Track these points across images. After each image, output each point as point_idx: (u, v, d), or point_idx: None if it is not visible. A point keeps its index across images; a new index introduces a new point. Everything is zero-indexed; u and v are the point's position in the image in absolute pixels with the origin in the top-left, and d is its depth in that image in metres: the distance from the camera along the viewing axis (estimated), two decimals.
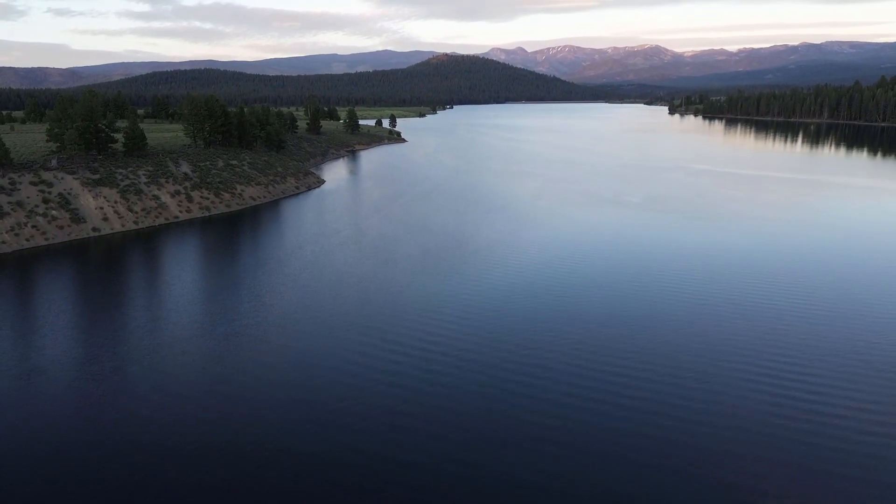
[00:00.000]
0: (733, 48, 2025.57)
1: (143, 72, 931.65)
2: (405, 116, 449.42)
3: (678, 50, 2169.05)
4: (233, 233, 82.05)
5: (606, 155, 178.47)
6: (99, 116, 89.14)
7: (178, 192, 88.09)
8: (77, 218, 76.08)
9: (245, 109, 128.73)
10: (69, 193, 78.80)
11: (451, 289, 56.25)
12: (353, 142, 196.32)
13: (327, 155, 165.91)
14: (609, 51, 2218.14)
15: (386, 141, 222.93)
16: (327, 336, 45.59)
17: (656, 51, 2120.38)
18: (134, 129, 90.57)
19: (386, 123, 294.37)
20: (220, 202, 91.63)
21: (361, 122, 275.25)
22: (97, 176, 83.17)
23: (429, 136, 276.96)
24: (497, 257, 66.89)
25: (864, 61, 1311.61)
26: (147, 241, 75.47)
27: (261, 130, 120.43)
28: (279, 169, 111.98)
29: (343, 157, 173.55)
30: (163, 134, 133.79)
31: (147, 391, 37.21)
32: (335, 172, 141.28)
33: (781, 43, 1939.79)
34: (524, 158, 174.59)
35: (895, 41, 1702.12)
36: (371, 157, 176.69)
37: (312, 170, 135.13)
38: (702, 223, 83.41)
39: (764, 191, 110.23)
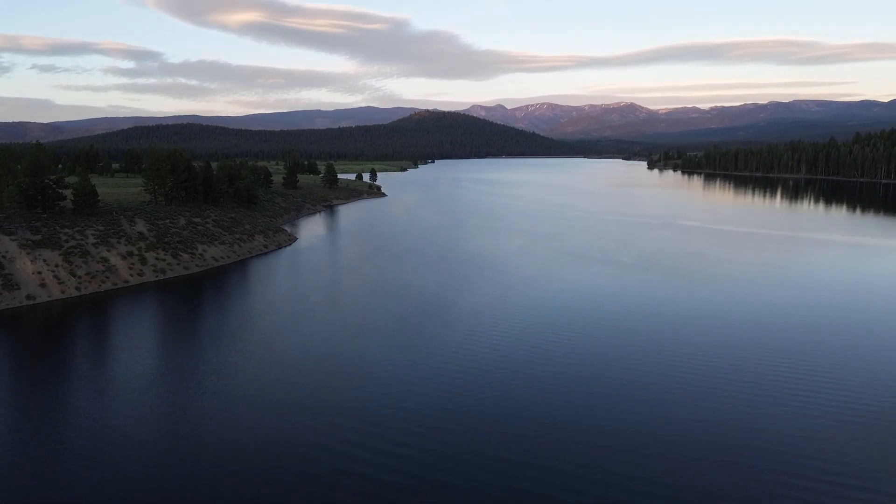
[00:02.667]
0: (705, 106, 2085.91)
1: (126, 126, 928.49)
2: (386, 170, 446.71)
3: (652, 107, 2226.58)
4: (186, 299, 73.58)
5: (590, 210, 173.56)
6: (46, 172, 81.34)
7: (130, 254, 79.76)
8: (10, 284, 67.29)
9: (215, 164, 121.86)
10: (4, 257, 70.18)
11: (430, 365, 48.17)
12: (330, 196, 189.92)
13: (303, 210, 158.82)
14: (586, 108, 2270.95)
15: (365, 195, 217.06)
16: (284, 428, 37.17)
17: (631, 108, 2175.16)
18: (84, 184, 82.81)
19: (367, 177, 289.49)
20: (178, 264, 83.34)
21: (342, 176, 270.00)
22: (38, 237, 74.78)
23: (409, 190, 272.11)
24: (480, 326, 59.04)
25: (831, 119, 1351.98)
26: (88, 310, 66.69)
27: (229, 186, 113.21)
28: (247, 226, 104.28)
29: (319, 212, 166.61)
30: (126, 189, 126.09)
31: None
32: (310, 228, 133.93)
33: (751, 101, 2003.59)
34: (506, 214, 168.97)
35: (860, 100, 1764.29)
36: (349, 212, 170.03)
37: (285, 226, 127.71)
38: (701, 285, 76.65)
39: (759, 249, 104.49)
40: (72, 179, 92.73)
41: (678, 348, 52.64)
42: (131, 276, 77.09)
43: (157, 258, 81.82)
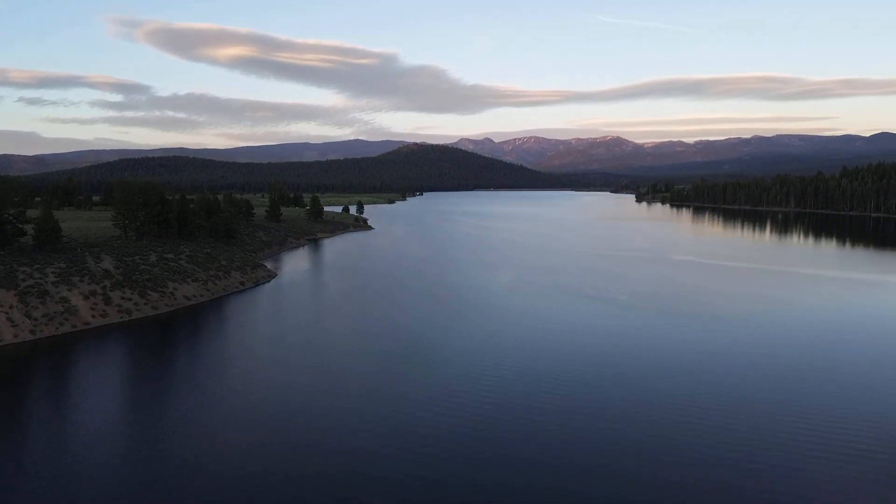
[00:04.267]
0: (690, 140, 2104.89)
1: (112, 159, 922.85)
2: (374, 203, 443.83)
3: (639, 141, 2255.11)
4: (151, 342, 68.24)
5: (581, 244, 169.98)
6: (6, 206, 76.34)
7: (93, 293, 74.44)
8: None
9: (193, 196, 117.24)
10: None
11: (415, 416, 43.17)
12: (315, 229, 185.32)
13: (285, 244, 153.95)
14: (573, 141, 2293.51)
15: (351, 228, 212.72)
16: (251, 492, 32.00)
17: (618, 142, 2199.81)
18: (46, 219, 77.81)
19: (353, 210, 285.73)
20: (146, 303, 78.02)
21: (329, 208, 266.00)
22: None
23: (397, 222, 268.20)
24: (468, 372, 54.13)
25: (813, 153, 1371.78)
26: (44, 355, 61.17)
27: (206, 219, 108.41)
28: (223, 262, 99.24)
29: (303, 246, 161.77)
30: (99, 223, 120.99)
31: None
32: (291, 264, 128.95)
33: (735, 136, 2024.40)
34: (495, 247, 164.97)
35: (841, 135, 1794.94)
36: (334, 246, 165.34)
37: (266, 261, 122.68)
38: (704, 325, 72.34)
39: (756, 284, 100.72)
40: (33, 213, 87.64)
41: (679, 399, 48.00)
42: (93, 317, 71.66)
43: (122, 297, 76.49)
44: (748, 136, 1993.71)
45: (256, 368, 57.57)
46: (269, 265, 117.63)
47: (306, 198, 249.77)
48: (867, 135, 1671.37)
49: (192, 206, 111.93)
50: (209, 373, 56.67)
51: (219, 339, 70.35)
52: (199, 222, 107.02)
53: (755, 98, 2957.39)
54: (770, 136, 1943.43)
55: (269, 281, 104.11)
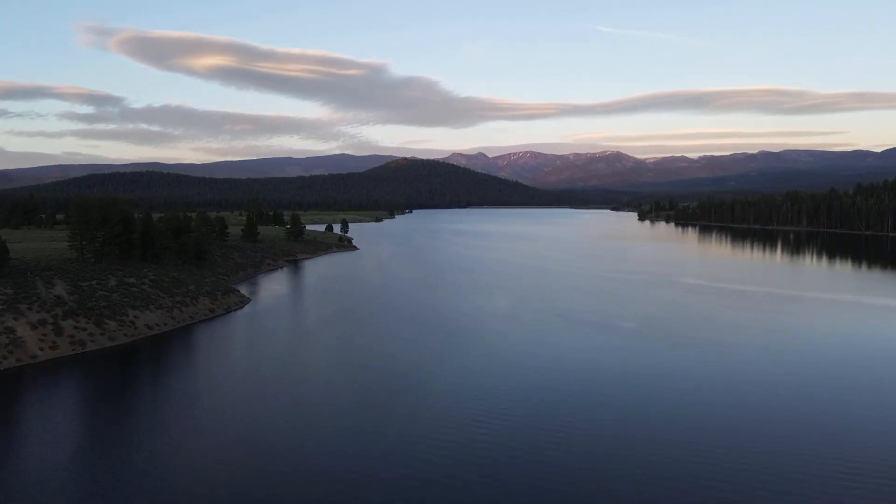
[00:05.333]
0: (694, 155, 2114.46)
1: (80, 174, 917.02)
2: (360, 221, 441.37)
3: (640, 156, 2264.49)
4: (103, 378, 64.66)
5: (581, 266, 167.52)
6: None
7: (42, 322, 70.81)
8: None
9: (160, 215, 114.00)
10: None
11: (398, 464, 39.80)
12: (295, 250, 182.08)
13: (262, 266, 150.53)
14: (571, 157, 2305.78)
15: (334, 248, 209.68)
16: None
17: (618, 157, 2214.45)
18: None
19: (337, 229, 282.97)
20: (102, 333, 74.38)
21: (311, 227, 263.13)
22: None
23: (384, 242, 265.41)
24: (458, 409, 50.84)
25: (822, 169, 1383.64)
26: None
27: (174, 240, 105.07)
28: (191, 287, 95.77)
29: (281, 268, 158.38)
30: (59, 244, 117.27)
31: None
32: (267, 287, 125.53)
33: (741, 151, 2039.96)
34: (490, 269, 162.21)
35: (852, 150, 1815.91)
36: (315, 268, 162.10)
37: (240, 285, 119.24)
38: (721, 358, 69.50)
39: (774, 311, 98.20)
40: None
41: (698, 449, 44.89)
42: (41, 349, 67.96)
43: (76, 327, 72.83)
44: (754, 151, 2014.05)
45: (224, 406, 54.14)
46: (243, 289, 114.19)
47: (287, 216, 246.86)
48: (879, 150, 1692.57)
49: (159, 225, 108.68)
50: (171, 412, 53.16)
51: (183, 372, 66.86)
52: (166, 243, 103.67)
53: (761, 112, 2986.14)
54: (777, 151, 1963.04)
55: (242, 307, 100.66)
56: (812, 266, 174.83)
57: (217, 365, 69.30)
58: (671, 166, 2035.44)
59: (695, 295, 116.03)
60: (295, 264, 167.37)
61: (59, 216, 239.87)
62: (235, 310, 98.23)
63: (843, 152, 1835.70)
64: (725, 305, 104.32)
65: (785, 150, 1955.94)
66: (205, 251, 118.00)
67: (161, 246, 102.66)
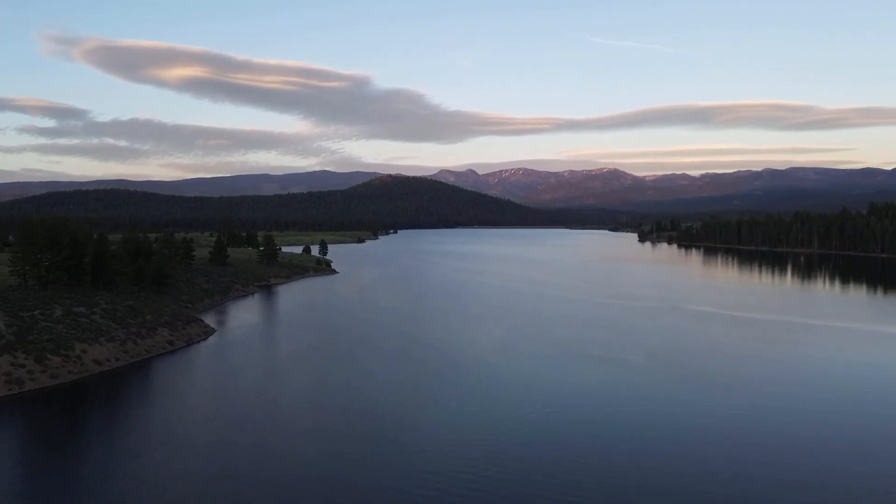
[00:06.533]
0: (696, 173, 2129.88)
1: (40, 192, 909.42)
2: (341, 242, 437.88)
3: (639, 174, 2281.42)
4: (41, 423, 60.63)
5: (580, 290, 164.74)
6: None
7: None
8: None
9: (120, 237, 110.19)
10: None
11: None
12: (268, 274, 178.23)
13: (231, 292, 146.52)
14: (566, 174, 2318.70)
15: (311, 272, 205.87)
16: None
17: (616, 174, 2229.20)
18: None
19: (316, 250, 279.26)
20: (44, 371, 70.31)
21: (288, 248, 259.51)
22: None
23: (366, 265, 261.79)
24: (448, 455, 47.28)
25: (830, 188, 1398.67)
26: None
27: (130, 264, 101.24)
28: (148, 317, 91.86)
29: (252, 294, 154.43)
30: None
31: None
32: (235, 316, 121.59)
33: (745, 168, 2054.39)
34: (481, 295, 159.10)
35: (861, 168, 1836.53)
36: (289, 294, 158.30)
37: (204, 314, 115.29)
38: (737, 395, 66.48)
39: (791, 342, 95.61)
40: None
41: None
42: None
43: (13, 364, 68.74)
44: (759, 168, 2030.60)
45: (175, 457, 50.36)
46: (208, 319, 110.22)
47: (261, 236, 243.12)
48: (889, 168, 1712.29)
49: (114, 247, 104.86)
50: (115, 464, 49.25)
51: (133, 415, 62.85)
52: (121, 268, 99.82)
53: (765, 127, 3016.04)
54: (783, 168, 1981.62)
55: (205, 339, 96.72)
56: (826, 291, 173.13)
57: (174, 406, 65.54)
58: (672, 184, 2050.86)
59: (703, 323, 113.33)
60: (268, 290, 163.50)
61: (12, 238, 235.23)
62: (198, 342, 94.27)
63: (851, 170, 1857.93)
64: (736, 335, 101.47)
65: (791, 168, 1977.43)
66: (166, 276, 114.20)
67: (116, 271, 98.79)
